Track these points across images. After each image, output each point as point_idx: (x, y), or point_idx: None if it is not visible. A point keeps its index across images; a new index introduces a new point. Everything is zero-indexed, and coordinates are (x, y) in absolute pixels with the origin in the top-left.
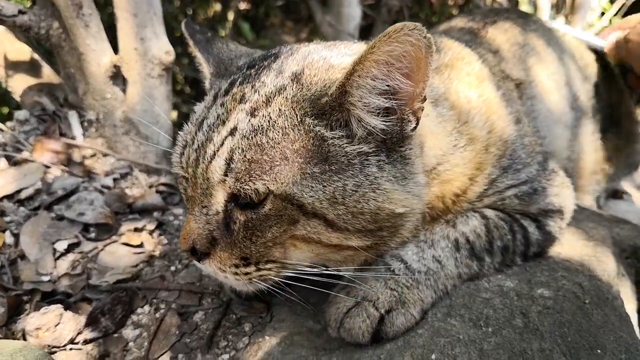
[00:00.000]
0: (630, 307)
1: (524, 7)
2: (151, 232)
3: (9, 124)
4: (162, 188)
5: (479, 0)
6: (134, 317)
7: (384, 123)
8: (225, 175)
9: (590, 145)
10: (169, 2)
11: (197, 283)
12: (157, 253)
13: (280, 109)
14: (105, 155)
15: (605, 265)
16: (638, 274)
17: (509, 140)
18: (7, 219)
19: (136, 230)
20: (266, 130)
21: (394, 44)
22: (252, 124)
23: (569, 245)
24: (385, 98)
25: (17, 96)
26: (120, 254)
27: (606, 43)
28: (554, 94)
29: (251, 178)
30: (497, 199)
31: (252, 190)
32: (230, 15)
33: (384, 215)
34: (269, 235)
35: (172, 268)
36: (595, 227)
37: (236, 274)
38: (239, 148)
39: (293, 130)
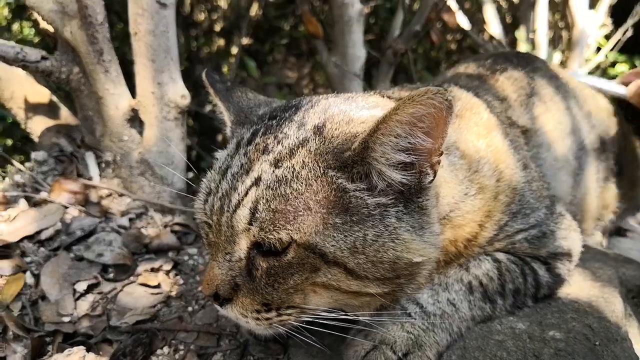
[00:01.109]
0: (638, 347)
1: (522, 44)
2: (167, 273)
3: (27, 164)
4: (176, 228)
5: (476, 37)
6: (154, 359)
7: (403, 177)
8: (250, 224)
9: (594, 192)
10: None
11: (214, 324)
12: (173, 293)
13: (303, 161)
14: (121, 195)
15: (613, 305)
16: None
17: (517, 187)
18: (28, 259)
19: (153, 270)
20: (290, 181)
21: (417, 106)
22: (276, 175)
23: (577, 285)
24: (406, 154)
25: (35, 137)
26: (139, 295)
27: (627, 90)
28: (559, 143)
29: (275, 227)
30: (508, 243)
31: (277, 240)
32: (234, 50)
33: (402, 264)
34: (290, 282)
35: (189, 309)
36: (601, 267)
37: (258, 319)
38: (263, 198)
39: (316, 182)
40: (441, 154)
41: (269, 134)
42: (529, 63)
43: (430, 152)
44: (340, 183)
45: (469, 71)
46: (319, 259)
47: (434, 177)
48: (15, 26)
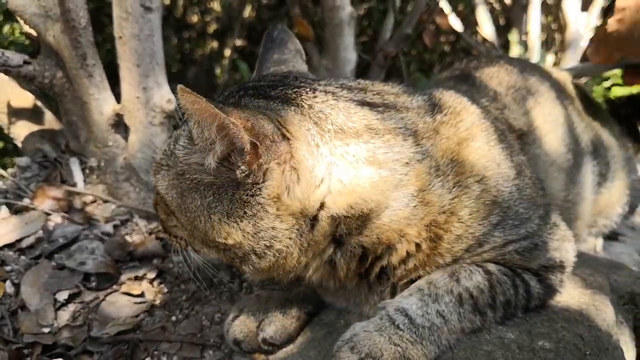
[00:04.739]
0: (629, 355)
1: (515, 46)
2: (152, 281)
3: (10, 170)
4: (162, 234)
5: (470, 39)
6: None
7: (216, 163)
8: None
9: (588, 198)
10: (166, 40)
11: (198, 334)
12: (157, 302)
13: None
14: (105, 201)
15: (604, 314)
16: (636, 320)
17: (497, 200)
18: (8, 268)
19: (136, 278)
20: (170, 144)
21: (181, 100)
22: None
23: (568, 293)
24: (210, 144)
25: (19, 142)
26: (121, 304)
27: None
28: (550, 136)
29: (156, 178)
30: (498, 254)
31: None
32: (227, 52)
33: (211, 238)
34: (162, 215)
35: (173, 318)
36: (592, 273)
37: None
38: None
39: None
40: (258, 156)
41: None
42: (520, 62)
43: (232, 149)
44: (179, 152)
45: (459, 72)
46: (167, 206)
47: (250, 174)
48: (6, 28)
